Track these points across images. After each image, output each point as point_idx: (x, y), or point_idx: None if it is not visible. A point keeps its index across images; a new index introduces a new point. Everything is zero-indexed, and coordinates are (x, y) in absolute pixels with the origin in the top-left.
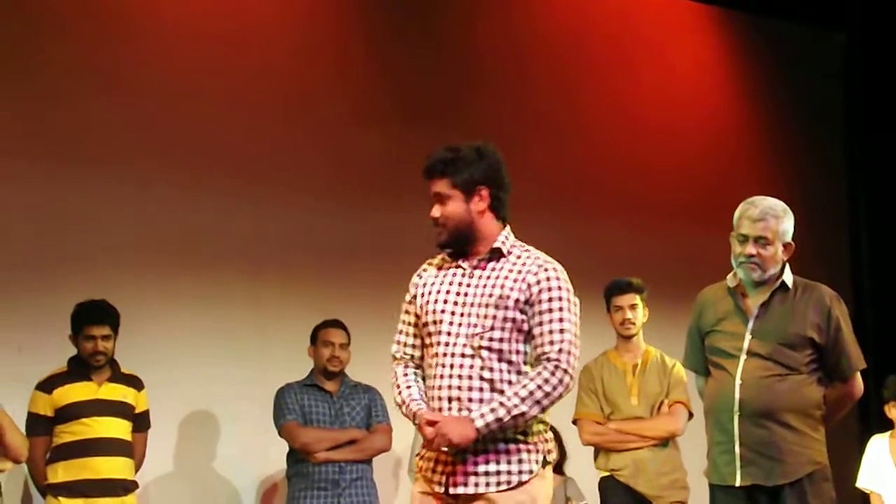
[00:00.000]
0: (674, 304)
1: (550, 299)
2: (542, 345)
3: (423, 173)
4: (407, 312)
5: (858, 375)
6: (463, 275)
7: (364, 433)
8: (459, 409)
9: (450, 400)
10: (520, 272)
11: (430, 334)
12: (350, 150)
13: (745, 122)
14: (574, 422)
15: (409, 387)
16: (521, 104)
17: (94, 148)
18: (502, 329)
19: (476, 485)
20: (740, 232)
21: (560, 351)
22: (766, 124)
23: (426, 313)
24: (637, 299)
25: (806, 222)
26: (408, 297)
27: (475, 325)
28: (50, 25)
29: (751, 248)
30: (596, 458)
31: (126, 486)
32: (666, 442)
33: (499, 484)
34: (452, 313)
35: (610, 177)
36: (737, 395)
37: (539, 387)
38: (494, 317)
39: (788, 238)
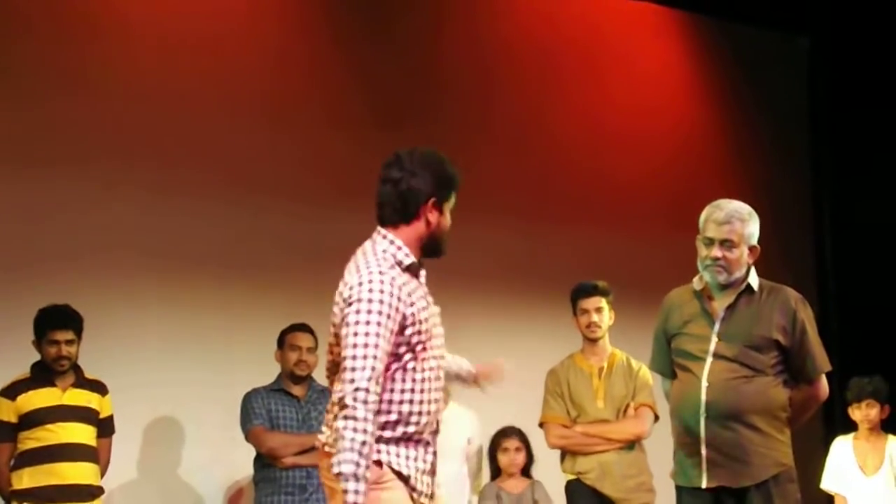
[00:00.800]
0: (640, 307)
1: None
2: None
3: (459, 184)
4: (387, 340)
5: (824, 378)
6: (422, 287)
7: None
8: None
9: (439, 412)
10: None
11: (424, 349)
12: (319, 154)
13: (710, 126)
14: (540, 425)
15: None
16: (487, 109)
17: (59, 148)
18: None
19: None
20: (706, 235)
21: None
22: (732, 128)
23: (431, 327)
24: (603, 302)
25: (772, 225)
26: (391, 316)
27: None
28: (16, 25)
29: (717, 252)
30: (562, 461)
31: (92, 492)
32: (632, 445)
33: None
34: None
35: (575, 181)
36: (703, 398)
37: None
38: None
39: (754, 241)
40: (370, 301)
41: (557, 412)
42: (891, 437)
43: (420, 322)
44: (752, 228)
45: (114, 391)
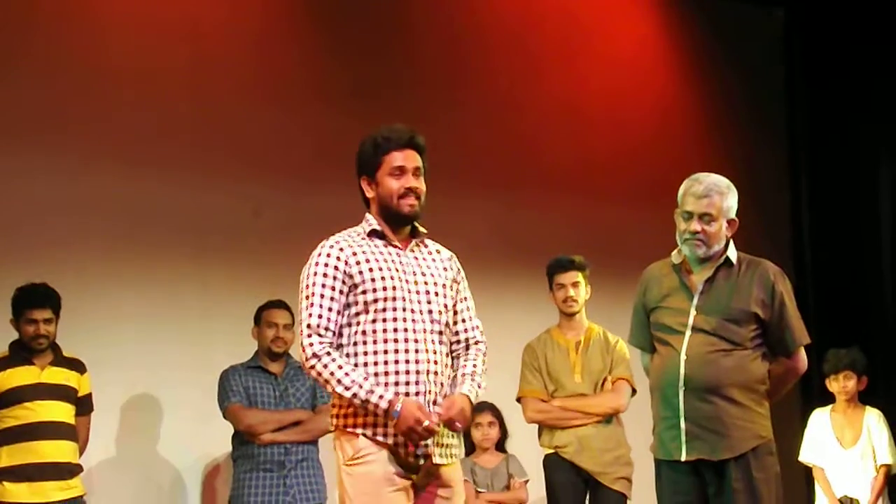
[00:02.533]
0: (616, 281)
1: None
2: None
3: (405, 142)
4: (332, 288)
5: (802, 350)
6: (398, 255)
7: (309, 414)
8: (437, 383)
9: (427, 373)
10: (442, 258)
11: (383, 310)
12: (298, 129)
13: (687, 100)
14: (518, 399)
15: (354, 369)
16: (462, 86)
17: (34, 124)
18: (448, 310)
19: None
20: (685, 209)
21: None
22: (708, 102)
23: (380, 289)
24: (579, 277)
25: (750, 199)
26: (331, 270)
27: (438, 303)
28: None
29: (695, 225)
30: (540, 435)
31: (71, 470)
32: (610, 418)
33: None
34: (417, 291)
35: (552, 154)
36: (682, 371)
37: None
38: (446, 295)
39: (732, 214)
40: (308, 267)
41: (535, 387)
42: (868, 408)
43: (369, 281)
44: (731, 202)
45: (92, 369)
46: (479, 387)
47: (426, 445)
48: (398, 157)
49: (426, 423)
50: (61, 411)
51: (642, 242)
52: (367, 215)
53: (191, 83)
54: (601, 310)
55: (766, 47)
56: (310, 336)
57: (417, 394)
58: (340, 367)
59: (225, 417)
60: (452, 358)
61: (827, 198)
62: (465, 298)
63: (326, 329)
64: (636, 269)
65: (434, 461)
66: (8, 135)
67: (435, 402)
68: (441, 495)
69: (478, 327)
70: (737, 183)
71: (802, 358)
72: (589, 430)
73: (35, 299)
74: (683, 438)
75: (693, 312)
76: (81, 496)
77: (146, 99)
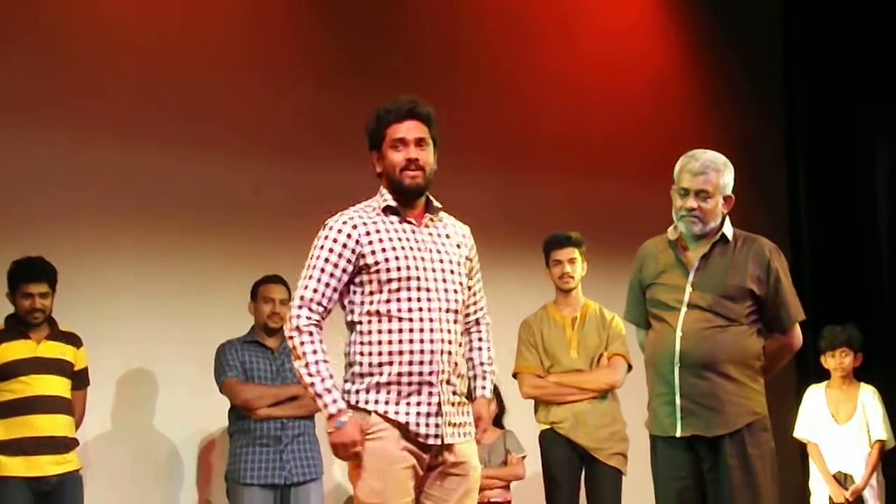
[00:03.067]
0: (613, 258)
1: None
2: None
3: (405, 113)
4: (335, 265)
5: (797, 327)
6: (413, 231)
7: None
8: (451, 363)
9: (441, 353)
10: (457, 234)
11: (397, 289)
12: (291, 109)
13: (685, 77)
14: (514, 375)
15: (325, 361)
16: (460, 63)
17: (31, 99)
18: (463, 287)
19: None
20: (681, 185)
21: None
22: (706, 79)
23: (394, 269)
24: (576, 253)
25: (747, 175)
26: (338, 247)
27: (453, 281)
28: None
29: (692, 202)
30: (536, 411)
31: (67, 444)
32: (605, 394)
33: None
34: (433, 269)
35: (550, 134)
36: (677, 347)
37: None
38: (461, 273)
39: (729, 191)
40: (318, 239)
41: (531, 362)
42: (863, 385)
43: (383, 262)
44: (727, 178)
45: (88, 343)
46: (493, 374)
47: (437, 426)
48: (399, 129)
49: (358, 448)
50: (57, 385)
51: (639, 218)
52: (382, 189)
53: (189, 60)
54: (597, 286)
55: (765, 24)
56: (300, 308)
57: (431, 373)
58: (314, 353)
59: (221, 392)
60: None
61: (824, 175)
62: (477, 272)
63: (319, 304)
64: (632, 246)
65: (446, 441)
66: (5, 110)
67: (448, 382)
68: (453, 472)
69: (483, 299)
70: (734, 159)
71: (797, 334)
72: (585, 405)
73: (31, 273)
74: (679, 414)
75: (689, 289)
76: (77, 470)
77: (144, 75)
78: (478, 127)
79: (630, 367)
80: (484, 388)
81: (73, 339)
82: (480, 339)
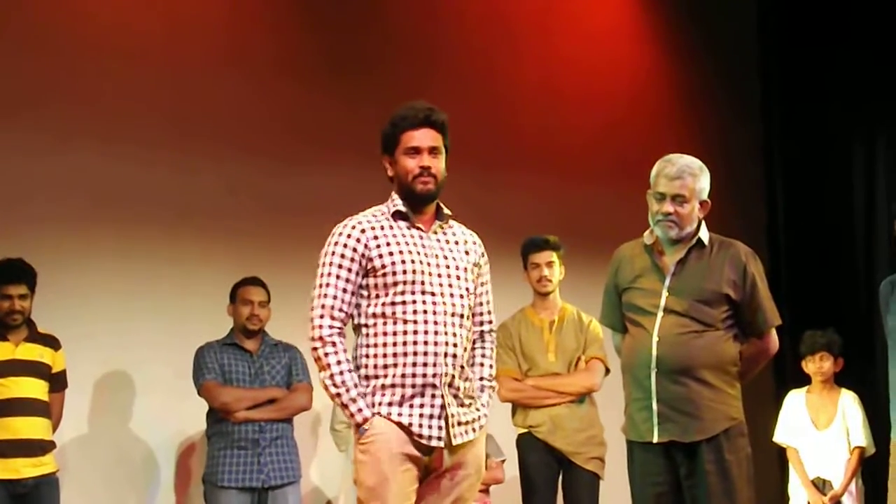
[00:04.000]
0: (590, 261)
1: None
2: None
3: (421, 120)
4: (349, 270)
5: (774, 332)
6: (421, 237)
7: (284, 392)
8: (455, 366)
9: (445, 356)
10: (466, 241)
11: (402, 293)
12: (275, 105)
13: (662, 79)
14: None
15: (350, 371)
16: (437, 62)
17: (13, 99)
18: (470, 293)
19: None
20: (657, 190)
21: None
22: (684, 80)
23: (400, 272)
24: (554, 256)
25: (724, 179)
26: (349, 252)
27: (459, 287)
28: None
29: (668, 207)
30: (514, 414)
31: (44, 446)
32: (583, 398)
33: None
34: (438, 275)
35: (530, 136)
36: (654, 352)
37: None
38: (468, 279)
39: (705, 196)
40: (327, 246)
41: (509, 366)
42: (844, 390)
43: (390, 265)
44: (703, 183)
45: (66, 345)
46: (493, 389)
47: (441, 428)
48: (413, 137)
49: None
50: (35, 388)
51: (615, 222)
52: (393, 194)
53: (169, 61)
54: (573, 289)
55: (742, 28)
56: (322, 317)
57: (435, 375)
58: (339, 363)
59: (199, 394)
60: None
61: (801, 179)
62: (485, 283)
63: (340, 310)
64: (608, 249)
65: (455, 442)
66: None
67: (452, 384)
68: (449, 477)
69: (491, 312)
70: (710, 163)
71: (774, 339)
72: (562, 409)
73: (10, 274)
74: (655, 420)
75: (665, 294)
76: (54, 473)
77: (124, 76)
78: (454, 128)
79: (608, 371)
80: (482, 405)
81: (51, 342)
82: (483, 356)
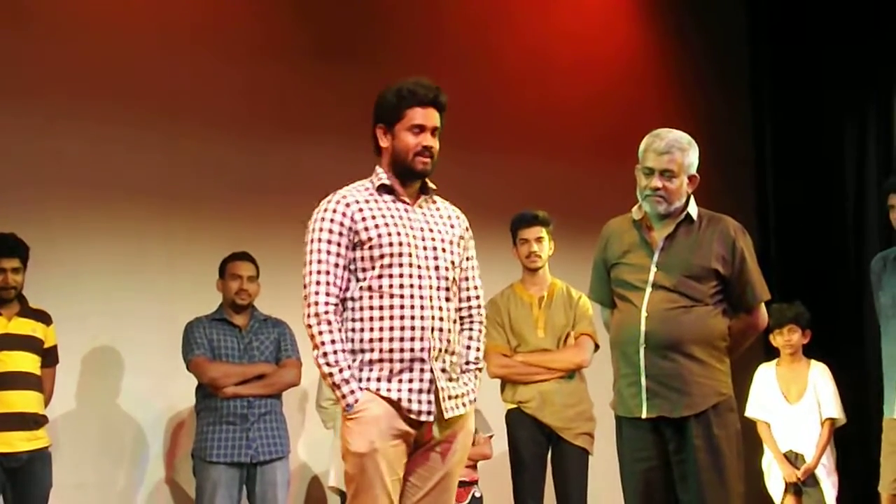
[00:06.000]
0: (580, 236)
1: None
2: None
3: (430, 100)
4: (339, 244)
5: (763, 307)
6: (406, 210)
7: (273, 367)
8: (442, 339)
9: (432, 330)
10: (450, 216)
11: (389, 265)
12: (262, 85)
13: (652, 55)
14: None
15: (343, 351)
16: (431, 40)
17: (2, 81)
18: (455, 266)
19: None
20: (646, 165)
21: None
22: (672, 55)
23: (386, 244)
24: (543, 232)
25: (713, 155)
26: (336, 227)
27: (445, 259)
28: None
29: (656, 182)
30: (503, 390)
31: (37, 420)
32: (572, 374)
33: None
34: (424, 248)
35: (517, 111)
36: (642, 328)
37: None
38: (453, 252)
39: (693, 171)
40: (314, 221)
41: (498, 342)
42: (813, 362)
43: (376, 238)
44: (692, 158)
45: (56, 321)
46: (479, 372)
47: (430, 402)
48: (420, 115)
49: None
50: (28, 362)
51: (603, 197)
52: (378, 168)
53: (158, 39)
54: (562, 265)
55: (732, 2)
56: (317, 294)
57: (423, 349)
58: (333, 342)
59: (188, 370)
60: (459, 318)
61: (791, 154)
62: (471, 257)
63: (335, 286)
64: (598, 224)
65: (447, 416)
66: None
67: (438, 359)
68: (438, 451)
69: (478, 287)
70: (700, 139)
71: (763, 314)
72: (552, 385)
73: (3, 248)
74: (644, 396)
75: (654, 269)
76: (47, 447)
77: (111, 53)
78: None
79: (597, 347)
80: (469, 380)
81: (43, 317)
82: (471, 339)
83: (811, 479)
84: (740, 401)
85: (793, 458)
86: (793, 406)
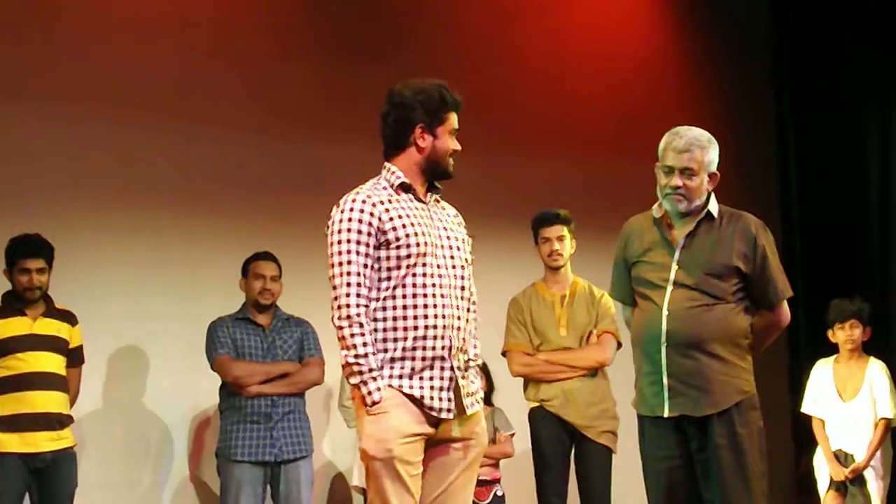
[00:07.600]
0: (601, 235)
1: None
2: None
3: (460, 104)
4: (367, 245)
5: (785, 304)
6: (426, 209)
7: (296, 366)
8: (460, 338)
9: (452, 328)
10: (456, 215)
11: (414, 265)
12: (280, 84)
13: (673, 49)
14: (503, 353)
15: (374, 354)
16: (450, 36)
17: (26, 83)
18: (468, 264)
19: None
20: (665, 163)
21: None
22: (693, 51)
23: (413, 244)
24: (564, 231)
25: (734, 151)
26: (364, 227)
27: (460, 258)
28: None
29: (676, 180)
30: (525, 389)
31: (62, 420)
32: (595, 372)
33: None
34: (442, 246)
35: (539, 108)
36: (664, 326)
37: None
38: (466, 250)
39: (713, 168)
40: (340, 221)
41: (520, 340)
42: (872, 359)
43: (403, 237)
44: (712, 155)
45: (81, 322)
46: (477, 366)
47: (450, 400)
48: (455, 120)
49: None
50: (53, 362)
51: (625, 195)
52: (390, 166)
53: (182, 36)
54: (584, 263)
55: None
56: (348, 296)
57: (444, 347)
58: (365, 345)
59: (212, 369)
60: None
61: (814, 149)
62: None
63: (366, 287)
64: (619, 222)
65: (468, 412)
66: (1, 94)
67: (455, 356)
68: (462, 449)
69: (472, 285)
70: (720, 135)
71: (785, 311)
72: (574, 383)
73: (29, 249)
74: (666, 395)
75: (675, 267)
76: (72, 447)
77: (135, 50)
78: (464, 103)
79: (620, 345)
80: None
81: (68, 317)
82: (473, 336)
83: (859, 479)
84: (767, 398)
85: (842, 458)
86: (846, 404)
